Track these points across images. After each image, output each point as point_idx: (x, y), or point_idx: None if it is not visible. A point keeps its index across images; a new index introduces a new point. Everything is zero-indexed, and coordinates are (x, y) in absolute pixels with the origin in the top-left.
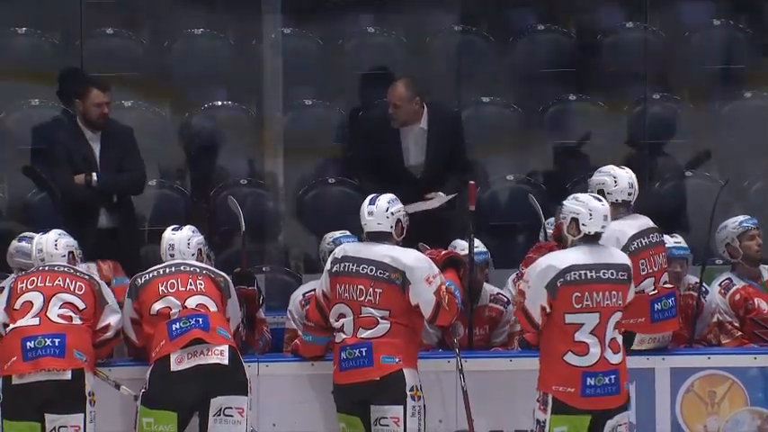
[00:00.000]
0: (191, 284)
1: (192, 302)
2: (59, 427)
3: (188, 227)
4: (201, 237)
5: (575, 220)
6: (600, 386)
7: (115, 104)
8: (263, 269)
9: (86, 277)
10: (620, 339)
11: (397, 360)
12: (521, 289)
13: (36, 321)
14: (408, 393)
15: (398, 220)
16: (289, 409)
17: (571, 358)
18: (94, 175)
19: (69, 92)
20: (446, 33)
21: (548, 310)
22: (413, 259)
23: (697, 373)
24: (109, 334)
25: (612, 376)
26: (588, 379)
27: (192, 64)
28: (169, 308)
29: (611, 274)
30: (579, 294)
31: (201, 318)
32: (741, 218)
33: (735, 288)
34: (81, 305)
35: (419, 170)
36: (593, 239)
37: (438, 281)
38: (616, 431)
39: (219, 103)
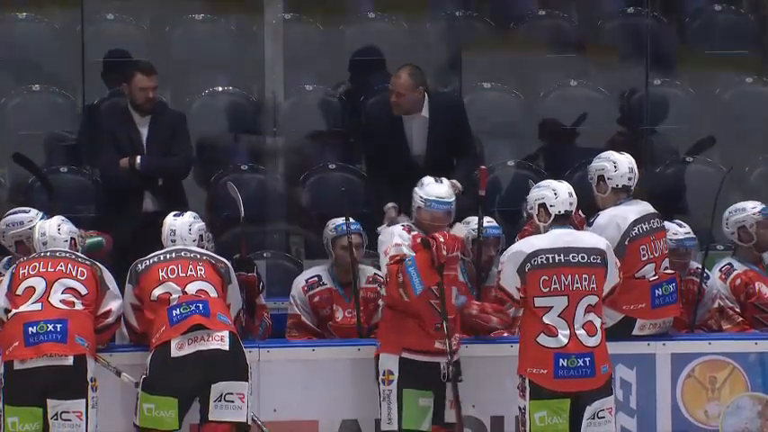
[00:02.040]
0: (191, 270)
1: (192, 288)
2: (61, 413)
3: (189, 213)
4: (203, 223)
5: (542, 206)
6: (573, 368)
7: (115, 89)
8: (264, 255)
9: (88, 263)
10: (597, 323)
11: (378, 345)
12: (497, 276)
13: (38, 307)
14: (380, 378)
15: (413, 202)
16: (289, 395)
17: (544, 340)
18: (138, 158)
19: (118, 74)
20: (446, 19)
21: (520, 293)
22: (383, 233)
23: (698, 358)
24: (110, 319)
25: (587, 359)
26: (561, 360)
27: (193, 49)
28: (169, 293)
29: (582, 257)
30: (547, 278)
31: (202, 303)
32: (760, 205)
33: (735, 273)
34: (83, 290)
35: (422, 159)
36: (564, 221)
37: (389, 253)
38: (598, 417)
39: (220, 88)
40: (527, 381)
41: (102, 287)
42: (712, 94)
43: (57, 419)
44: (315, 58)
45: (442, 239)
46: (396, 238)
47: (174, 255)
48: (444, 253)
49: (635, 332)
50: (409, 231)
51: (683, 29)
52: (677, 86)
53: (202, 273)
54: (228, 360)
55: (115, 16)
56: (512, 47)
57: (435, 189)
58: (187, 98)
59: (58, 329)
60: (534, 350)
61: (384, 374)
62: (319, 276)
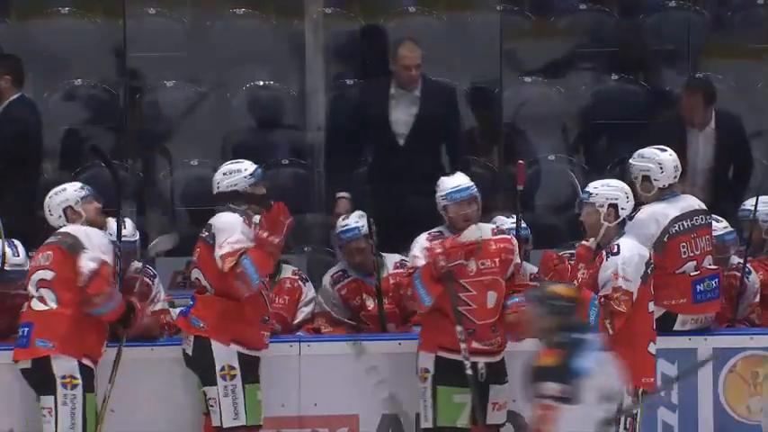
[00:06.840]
0: (194, 256)
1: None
2: (41, 408)
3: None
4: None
5: (613, 206)
6: None
7: (157, 84)
8: (305, 249)
9: (54, 240)
10: None
11: (420, 342)
12: (628, 291)
13: (24, 309)
14: (419, 375)
15: (439, 207)
16: (330, 389)
17: (651, 348)
18: None
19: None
20: (487, 12)
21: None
22: (413, 243)
23: (740, 353)
24: (83, 277)
25: None
26: (657, 366)
27: (234, 44)
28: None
29: None
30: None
31: (192, 302)
32: None
33: None
34: (49, 275)
35: (404, 138)
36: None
37: (407, 265)
38: None
39: (261, 82)
40: (641, 390)
41: (72, 253)
42: (754, 88)
43: (42, 413)
44: (356, 52)
45: (438, 250)
46: (416, 248)
47: None
48: (442, 264)
49: (676, 327)
50: (433, 239)
51: (726, 22)
52: (719, 80)
53: (196, 256)
54: (192, 364)
55: (157, 10)
56: (553, 41)
57: (449, 182)
58: (228, 93)
59: (25, 333)
60: (645, 359)
61: (421, 372)
62: (343, 270)
